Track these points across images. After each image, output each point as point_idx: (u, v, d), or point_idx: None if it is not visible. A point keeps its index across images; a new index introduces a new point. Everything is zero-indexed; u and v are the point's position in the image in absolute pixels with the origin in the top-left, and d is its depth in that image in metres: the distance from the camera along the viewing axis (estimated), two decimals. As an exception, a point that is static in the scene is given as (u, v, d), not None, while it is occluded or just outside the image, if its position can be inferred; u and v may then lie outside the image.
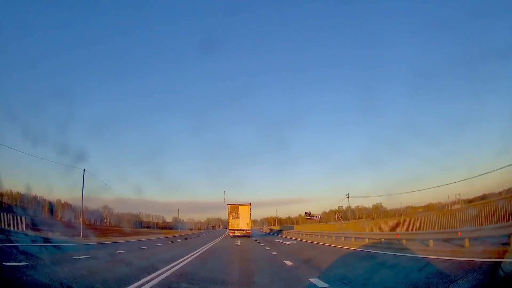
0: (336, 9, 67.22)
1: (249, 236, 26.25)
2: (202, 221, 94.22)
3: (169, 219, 79.57)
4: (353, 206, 68.48)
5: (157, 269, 6.99)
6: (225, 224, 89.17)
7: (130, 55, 77.09)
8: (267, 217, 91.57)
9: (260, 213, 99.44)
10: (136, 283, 5.28)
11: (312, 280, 5.46)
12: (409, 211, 58.70)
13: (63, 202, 51.63)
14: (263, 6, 69.56)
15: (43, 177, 74.54)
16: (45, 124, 49.83)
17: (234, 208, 27.10)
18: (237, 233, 26.30)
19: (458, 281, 4.16)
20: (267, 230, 64.63)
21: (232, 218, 26.95)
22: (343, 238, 19.00)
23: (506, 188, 29.26)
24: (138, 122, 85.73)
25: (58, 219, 43.52)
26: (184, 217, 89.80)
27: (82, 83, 73.16)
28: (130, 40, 74.66)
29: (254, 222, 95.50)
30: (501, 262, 3.86)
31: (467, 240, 9.45)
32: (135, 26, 73.64)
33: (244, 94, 73.10)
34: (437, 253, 8.21)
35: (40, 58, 64.70)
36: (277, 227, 69.55)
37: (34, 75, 60.27)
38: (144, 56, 77.71)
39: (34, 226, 19.87)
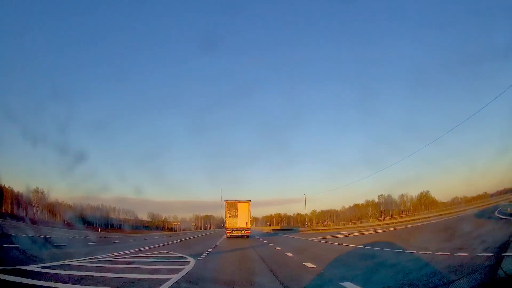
0: (336, 7, 65.80)
1: (247, 237, 23.84)
2: (187, 219, 76.40)
3: (144, 215, 64.23)
4: (395, 196, 50.88)
5: None
6: (218, 224, 72.87)
7: (129, 54, 76.77)
8: (271, 214, 74.60)
9: (260, 213, 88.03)
10: None
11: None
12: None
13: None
14: (263, 4, 68.78)
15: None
16: (44, 123, 51.24)
17: (232, 205, 24.71)
18: (234, 233, 24.16)
19: (458, 280, 4.08)
20: (269, 230, 56.89)
21: (230, 216, 24.47)
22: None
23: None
24: (135, 120, 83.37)
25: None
26: (173, 215, 73.26)
27: (80, 82, 72.14)
28: (129, 38, 75.09)
29: (255, 220, 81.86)
30: (501, 262, 3.58)
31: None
32: (134, 25, 72.92)
33: (244, 93, 65.89)
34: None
35: (39, 57, 62.80)
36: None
37: (32, 73, 57.66)
38: (143, 55, 77.33)
39: None
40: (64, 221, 38.19)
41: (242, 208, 24.59)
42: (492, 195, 38.18)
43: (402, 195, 52.07)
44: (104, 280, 5.69)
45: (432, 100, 64.62)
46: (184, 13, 67.81)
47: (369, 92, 50.27)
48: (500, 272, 3.15)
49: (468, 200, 53.32)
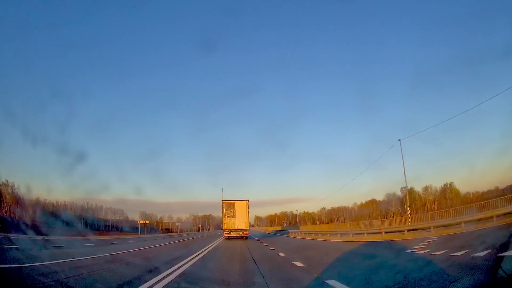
0: (337, 7, 66.68)
1: (246, 238, 23.05)
2: (183, 219, 70.90)
3: (136, 216, 58.99)
4: (419, 188, 45.20)
5: None
6: (218, 224, 68.01)
7: (130, 54, 77.75)
8: (275, 213, 69.19)
9: (264, 212, 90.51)
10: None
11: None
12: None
13: None
14: (263, 4, 68.92)
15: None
16: (45, 124, 50.27)
17: (229, 205, 23.79)
18: (232, 234, 23.42)
19: (458, 280, 4.15)
20: (269, 231, 56.02)
21: (227, 216, 23.54)
22: None
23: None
24: (135, 121, 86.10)
25: None
26: (168, 215, 68.33)
27: (81, 83, 73.20)
28: (130, 39, 75.09)
29: (259, 220, 76.34)
30: (501, 261, 3.27)
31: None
32: (135, 25, 73.68)
33: (244, 93, 70.17)
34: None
35: (39, 58, 64.49)
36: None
37: (33, 75, 59.54)
38: (144, 55, 78.15)
39: None
40: (33, 220, 32.24)
41: (240, 208, 23.63)
42: (503, 190, 38.20)
43: (426, 187, 45.98)
44: None
45: (432, 99, 67.54)
46: (185, 15, 70.09)
47: (370, 91, 52.28)
48: (500, 272, 2.99)
49: (480, 195, 48.61)
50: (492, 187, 46.68)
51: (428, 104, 67.63)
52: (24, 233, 22.78)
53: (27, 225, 29.09)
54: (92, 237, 30.73)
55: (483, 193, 52.92)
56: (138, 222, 57.59)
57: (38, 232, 25.27)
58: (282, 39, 77.00)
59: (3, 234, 18.90)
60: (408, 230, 16.58)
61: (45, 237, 20.21)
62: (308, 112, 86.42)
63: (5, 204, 35.53)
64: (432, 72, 59.61)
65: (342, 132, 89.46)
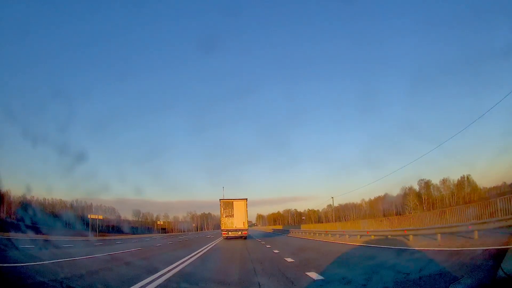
0: (337, 6, 65.09)
1: (245, 238, 22.68)
2: (180, 218, 67.61)
3: (128, 214, 54.42)
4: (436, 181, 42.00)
5: None
6: (217, 224, 65.16)
7: (130, 54, 76.80)
8: (279, 212, 66.25)
9: (263, 211, 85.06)
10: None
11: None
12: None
13: None
14: (263, 4, 66.97)
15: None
16: (45, 124, 48.16)
17: (227, 204, 23.52)
18: (231, 234, 22.98)
19: (458, 280, 4.15)
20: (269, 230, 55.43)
21: (225, 216, 23.27)
22: None
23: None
24: (135, 120, 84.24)
25: None
26: (163, 214, 65.16)
27: (81, 83, 71.36)
28: (130, 39, 74.29)
29: (261, 219, 72.84)
30: (501, 261, 3.16)
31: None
32: (135, 25, 71.87)
33: (244, 93, 68.79)
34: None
35: (39, 58, 63.18)
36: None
37: (33, 75, 57.88)
38: (144, 55, 77.46)
39: None
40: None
41: (238, 207, 23.36)
42: (511, 185, 39.83)
43: (444, 180, 42.06)
44: None
45: (434, 98, 67.27)
46: (185, 14, 70.83)
47: (370, 91, 51.61)
48: (500, 272, 2.97)
49: (487, 190, 45.45)
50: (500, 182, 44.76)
51: (429, 104, 68.93)
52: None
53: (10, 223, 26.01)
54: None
55: (490, 188, 49.96)
56: (89, 217, 42.99)
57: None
58: (282, 39, 78.25)
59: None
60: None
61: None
62: (309, 112, 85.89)
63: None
64: (433, 71, 59.36)
65: (342, 131, 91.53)
